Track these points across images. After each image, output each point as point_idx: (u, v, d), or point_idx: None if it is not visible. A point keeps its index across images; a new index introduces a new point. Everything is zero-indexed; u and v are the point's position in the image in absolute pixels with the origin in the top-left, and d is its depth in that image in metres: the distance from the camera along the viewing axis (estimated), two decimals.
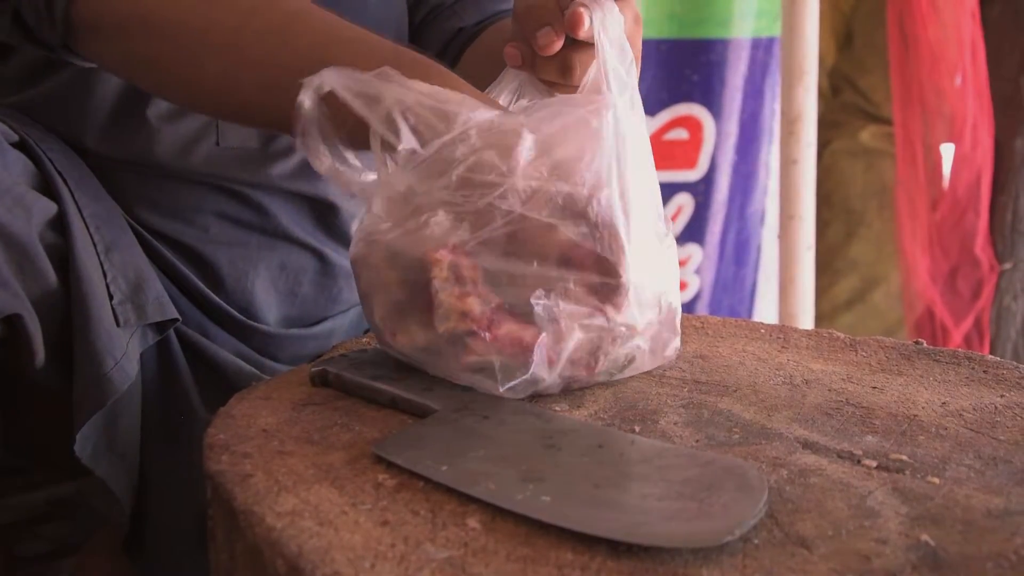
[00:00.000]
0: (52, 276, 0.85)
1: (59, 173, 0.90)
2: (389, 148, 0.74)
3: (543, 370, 0.74)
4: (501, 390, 0.73)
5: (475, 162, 0.73)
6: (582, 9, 0.77)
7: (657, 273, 0.78)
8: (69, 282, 0.87)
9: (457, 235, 0.73)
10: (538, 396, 0.76)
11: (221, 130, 1.02)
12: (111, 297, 0.90)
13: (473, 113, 0.74)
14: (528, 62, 0.83)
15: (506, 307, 0.73)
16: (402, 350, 0.78)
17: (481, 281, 0.73)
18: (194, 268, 1.04)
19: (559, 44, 0.79)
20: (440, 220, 0.74)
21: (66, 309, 0.87)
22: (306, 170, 1.05)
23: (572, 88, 0.82)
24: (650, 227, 0.78)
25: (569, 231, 0.73)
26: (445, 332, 0.74)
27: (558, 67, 0.81)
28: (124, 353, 0.89)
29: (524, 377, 0.74)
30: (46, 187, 0.88)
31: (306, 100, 0.74)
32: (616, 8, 0.78)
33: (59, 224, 0.87)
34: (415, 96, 0.74)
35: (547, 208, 0.73)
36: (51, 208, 0.87)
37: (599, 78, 0.77)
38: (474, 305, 0.73)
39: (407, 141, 0.74)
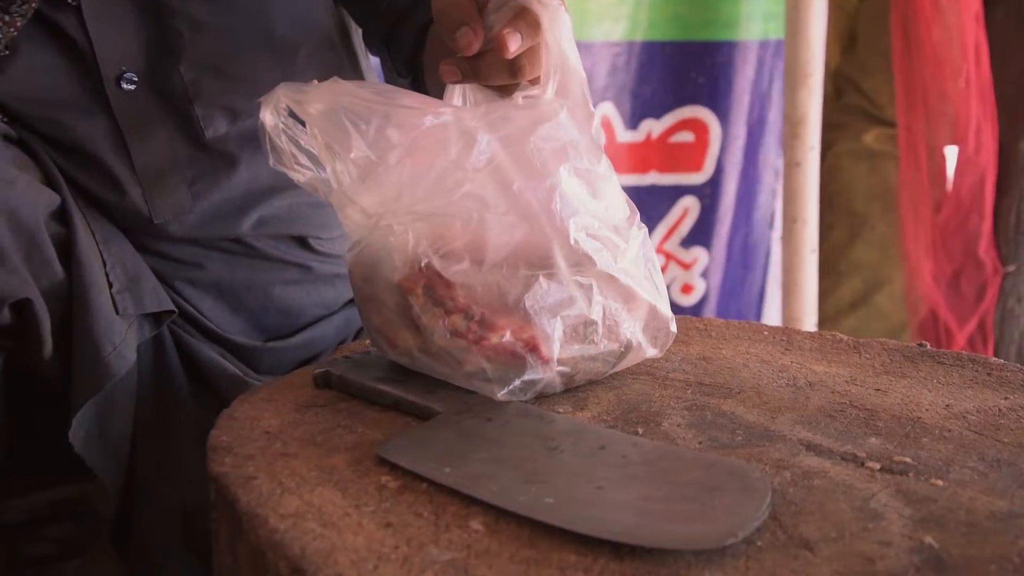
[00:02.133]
0: (57, 265, 0.86)
1: (54, 164, 0.91)
2: (341, 156, 0.74)
3: (539, 371, 0.74)
4: (499, 395, 0.73)
5: (431, 169, 0.73)
6: (507, 32, 0.75)
7: (626, 261, 0.78)
8: (71, 271, 0.87)
9: (421, 249, 0.73)
10: (542, 396, 0.76)
11: (153, 209, 0.99)
12: (110, 286, 0.90)
13: (426, 117, 0.74)
14: (470, 72, 0.79)
15: (490, 312, 0.74)
16: (400, 357, 0.78)
17: (460, 295, 0.73)
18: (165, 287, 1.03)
19: (478, 43, 0.77)
20: (400, 234, 0.74)
21: (68, 299, 0.88)
22: (270, 224, 1.04)
23: (516, 88, 0.79)
24: (608, 220, 0.78)
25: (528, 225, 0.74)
26: (437, 351, 0.75)
27: (508, 70, 0.78)
28: (123, 340, 0.89)
29: (520, 381, 0.74)
30: (47, 180, 0.89)
31: (267, 116, 0.75)
32: (562, 10, 0.76)
33: (61, 215, 0.88)
34: (365, 103, 0.74)
35: (506, 207, 0.74)
36: (55, 199, 0.87)
37: (548, 79, 0.77)
38: (458, 323, 0.73)
39: (359, 148, 0.74)
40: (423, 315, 0.74)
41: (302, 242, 1.08)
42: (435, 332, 0.74)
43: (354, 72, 1.11)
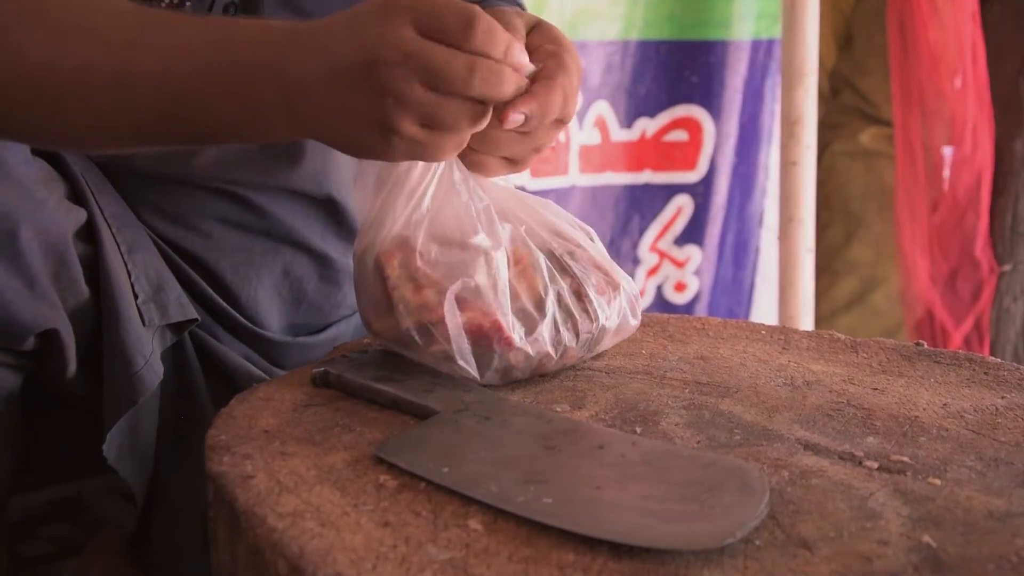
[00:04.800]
0: (83, 284, 0.86)
1: (83, 177, 0.91)
2: None
3: (504, 353, 0.76)
4: (459, 372, 0.75)
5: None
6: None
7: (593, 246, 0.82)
8: (98, 287, 0.87)
9: (403, 228, 0.76)
10: (511, 380, 0.78)
11: None
12: (136, 297, 0.90)
13: None
14: None
15: (462, 292, 0.75)
16: (382, 340, 0.80)
17: (434, 271, 0.75)
18: (200, 275, 1.04)
19: None
20: (391, 218, 0.76)
21: (95, 316, 0.88)
22: (309, 169, 1.05)
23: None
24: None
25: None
26: (408, 327, 0.76)
27: None
28: (152, 351, 0.90)
29: (485, 362, 0.76)
30: (73, 194, 0.89)
31: None
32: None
33: (88, 231, 0.88)
34: None
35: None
36: (82, 216, 0.87)
37: None
38: (430, 296, 0.75)
39: None
40: (397, 288, 0.75)
41: (345, 234, 1.10)
42: (405, 305, 0.75)
43: None
